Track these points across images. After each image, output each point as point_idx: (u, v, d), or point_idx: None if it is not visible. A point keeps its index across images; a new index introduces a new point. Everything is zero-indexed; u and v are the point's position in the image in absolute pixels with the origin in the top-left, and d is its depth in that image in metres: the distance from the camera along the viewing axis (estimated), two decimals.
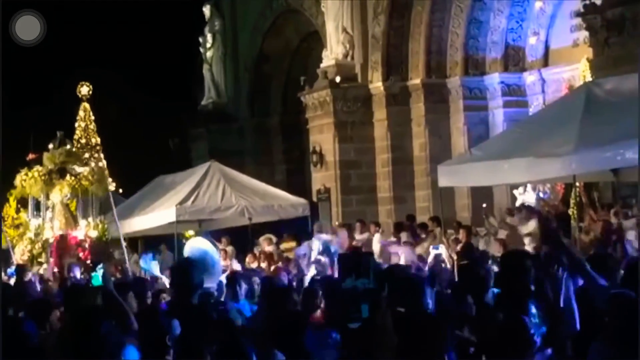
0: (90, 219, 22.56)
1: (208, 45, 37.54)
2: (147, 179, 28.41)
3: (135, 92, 36.98)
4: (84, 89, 23.40)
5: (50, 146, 22.81)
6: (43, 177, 22.12)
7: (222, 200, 26.69)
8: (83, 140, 24.36)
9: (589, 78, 22.58)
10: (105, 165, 23.56)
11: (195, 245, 15.60)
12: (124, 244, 21.47)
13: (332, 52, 31.21)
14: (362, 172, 30.68)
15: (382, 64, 30.49)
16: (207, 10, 37.74)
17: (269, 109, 37.97)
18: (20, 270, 18.31)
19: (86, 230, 22.11)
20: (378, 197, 30.61)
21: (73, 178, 22.13)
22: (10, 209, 24.24)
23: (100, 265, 18.89)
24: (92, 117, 23.87)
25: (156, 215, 26.06)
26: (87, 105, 23.85)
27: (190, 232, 26.84)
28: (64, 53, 37.75)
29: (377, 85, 30.59)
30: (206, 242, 17.19)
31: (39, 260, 21.98)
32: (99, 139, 23.88)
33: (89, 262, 20.98)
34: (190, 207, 26.14)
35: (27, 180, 22.36)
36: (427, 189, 28.91)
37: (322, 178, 31.34)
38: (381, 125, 30.60)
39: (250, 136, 37.52)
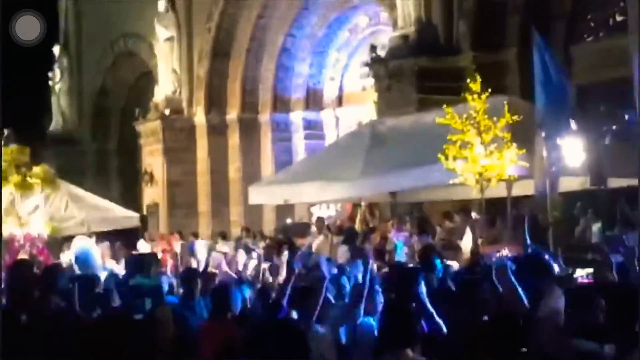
0: None
1: (57, 79, 36.68)
2: None
3: None
4: None
5: None
6: None
7: (65, 212, 25.98)
8: None
9: (374, 117, 22.86)
10: None
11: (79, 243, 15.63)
12: None
13: (163, 89, 30.98)
14: (186, 190, 30.49)
15: (205, 100, 30.42)
16: (56, 49, 36.81)
17: (108, 135, 37.28)
18: None
19: None
20: (199, 211, 30.43)
21: None
22: None
23: None
24: None
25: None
26: None
27: None
28: None
29: (200, 118, 30.53)
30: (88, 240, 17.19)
31: None
32: None
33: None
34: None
35: None
36: (241, 205, 28.90)
37: (152, 194, 31.03)
38: (203, 151, 30.51)
39: (91, 157, 36.73)
